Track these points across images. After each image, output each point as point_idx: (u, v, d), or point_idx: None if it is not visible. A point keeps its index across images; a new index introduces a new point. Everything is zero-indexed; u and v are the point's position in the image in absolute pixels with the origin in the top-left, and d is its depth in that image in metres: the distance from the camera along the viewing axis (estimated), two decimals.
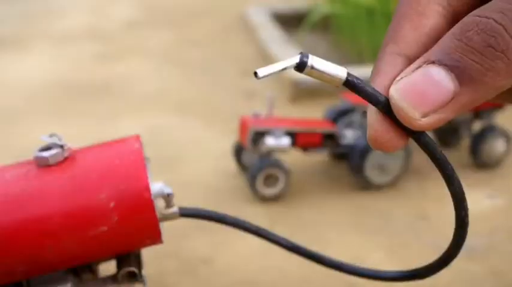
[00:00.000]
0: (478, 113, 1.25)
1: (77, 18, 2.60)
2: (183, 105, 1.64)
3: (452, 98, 0.28)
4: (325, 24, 2.19)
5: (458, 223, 0.34)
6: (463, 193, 0.32)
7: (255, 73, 0.27)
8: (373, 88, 0.30)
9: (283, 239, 0.58)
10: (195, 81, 1.83)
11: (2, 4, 2.81)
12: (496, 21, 0.27)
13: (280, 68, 0.28)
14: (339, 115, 1.21)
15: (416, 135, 0.30)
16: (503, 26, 0.27)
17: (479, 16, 0.27)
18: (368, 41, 1.95)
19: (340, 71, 0.29)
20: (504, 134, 1.25)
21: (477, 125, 1.27)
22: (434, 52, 0.29)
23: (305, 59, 0.28)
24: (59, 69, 1.97)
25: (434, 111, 0.29)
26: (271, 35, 2.07)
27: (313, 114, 1.34)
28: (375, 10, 1.90)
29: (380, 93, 0.30)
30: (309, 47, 2.09)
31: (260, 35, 2.11)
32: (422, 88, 0.28)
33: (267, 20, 2.26)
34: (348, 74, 0.29)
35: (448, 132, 1.31)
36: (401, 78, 0.30)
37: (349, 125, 1.20)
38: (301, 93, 1.66)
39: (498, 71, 0.27)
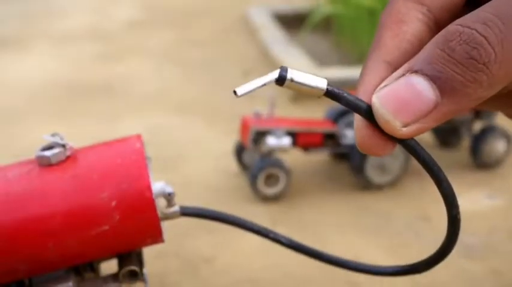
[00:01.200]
0: (478, 113, 1.25)
1: (78, 18, 2.61)
2: (184, 105, 1.65)
3: (434, 108, 0.28)
4: (326, 25, 2.20)
5: (450, 220, 0.35)
6: (453, 192, 0.33)
7: (234, 91, 0.28)
8: (355, 96, 0.30)
9: (284, 237, 0.59)
10: (196, 81, 1.84)
11: (2, 4, 2.82)
12: (478, 32, 0.27)
13: (260, 84, 0.29)
14: (340, 115, 1.21)
15: (400, 139, 0.31)
16: (485, 38, 0.27)
17: (461, 26, 0.27)
18: (369, 41, 1.95)
19: (320, 83, 0.30)
20: (504, 135, 1.25)
21: (477, 125, 1.28)
22: (417, 61, 0.29)
23: (284, 73, 0.29)
24: (60, 69, 1.97)
25: (416, 121, 0.29)
26: (273, 36, 2.08)
27: (314, 114, 1.35)
28: (376, 11, 1.90)
29: (362, 101, 0.30)
30: (310, 47, 2.09)
31: (261, 35, 2.11)
32: (404, 97, 0.29)
33: (268, 20, 2.27)
34: (328, 84, 0.30)
35: (449, 132, 1.31)
36: (384, 86, 0.30)
37: (350, 125, 1.20)
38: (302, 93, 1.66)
39: (480, 82, 0.27)
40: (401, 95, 0.29)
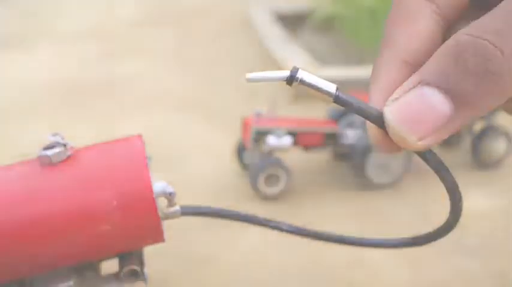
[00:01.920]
0: None
1: (81, 18, 2.61)
2: (185, 105, 1.65)
3: (448, 121, 0.28)
4: (327, 25, 2.20)
5: (453, 209, 0.36)
6: (457, 187, 0.34)
7: (247, 77, 0.29)
8: (365, 103, 0.30)
9: (285, 224, 0.59)
10: (197, 81, 1.84)
11: (4, 4, 2.82)
12: (491, 43, 0.26)
13: (271, 77, 0.29)
14: (341, 115, 1.21)
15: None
16: (499, 49, 0.26)
17: (473, 36, 0.27)
18: (370, 41, 1.96)
19: (329, 87, 0.30)
20: (505, 135, 1.25)
21: (478, 125, 1.28)
22: (428, 72, 0.28)
23: (294, 74, 0.29)
24: (61, 69, 1.97)
25: (430, 134, 0.28)
26: (274, 35, 2.08)
27: (315, 114, 1.35)
28: (377, 11, 1.90)
29: (372, 108, 0.30)
30: (311, 46, 2.09)
31: (262, 34, 2.11)
32: (417, 111, 0.28)
33: (270, 19, 2.27)
34: (337, 90, 0.30)
35: None
36: (396, 99, 0.29)
37: (351, 125, 1.20)
38: (303, 93, 1.66)
39: (493, 94, 0.27)
40: (415, 109, 0.28)
